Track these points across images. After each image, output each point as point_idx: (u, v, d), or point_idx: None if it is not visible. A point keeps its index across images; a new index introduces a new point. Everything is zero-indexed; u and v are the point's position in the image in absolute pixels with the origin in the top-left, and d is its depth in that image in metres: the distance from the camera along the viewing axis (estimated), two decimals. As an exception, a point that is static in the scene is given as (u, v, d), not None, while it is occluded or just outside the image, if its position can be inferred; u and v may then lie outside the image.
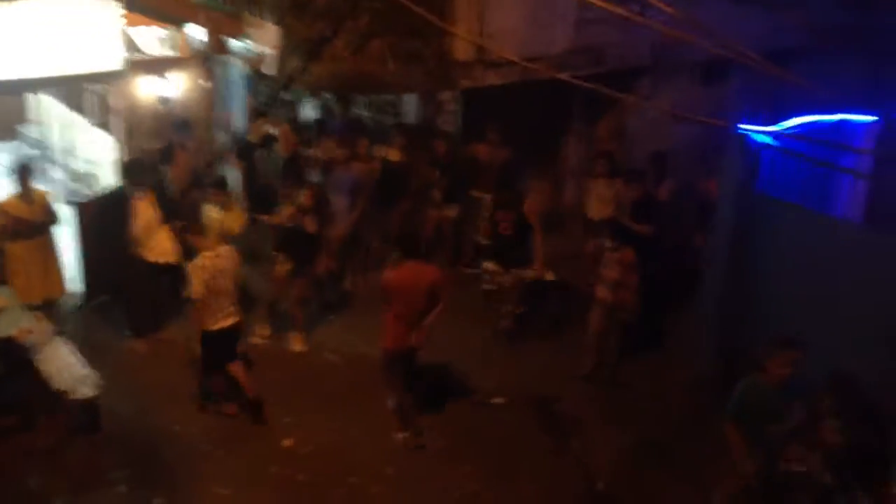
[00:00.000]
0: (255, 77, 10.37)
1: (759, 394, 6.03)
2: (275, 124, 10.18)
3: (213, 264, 7.24)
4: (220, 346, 7.56)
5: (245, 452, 7.41)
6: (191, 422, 7.75)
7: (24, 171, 8.46)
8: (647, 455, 7.65)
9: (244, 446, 7.48)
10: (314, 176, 9.73)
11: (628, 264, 8.06)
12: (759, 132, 7.70)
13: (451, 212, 10.10)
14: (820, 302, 7.23)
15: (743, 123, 7.83)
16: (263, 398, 7.81)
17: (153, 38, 10.55)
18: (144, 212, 8.45)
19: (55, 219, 8.70)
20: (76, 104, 10.70)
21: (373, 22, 8.75)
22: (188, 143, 9.51)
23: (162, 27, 10.17)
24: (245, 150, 9.89)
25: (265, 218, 9.22)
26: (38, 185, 8.97)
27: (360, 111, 10.86)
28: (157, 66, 9.81)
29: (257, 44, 9.66)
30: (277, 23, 9.19)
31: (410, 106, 10.54)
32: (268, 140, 9.98)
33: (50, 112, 10.02)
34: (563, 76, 8.26)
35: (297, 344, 8.98)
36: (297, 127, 10.59)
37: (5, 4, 8.35)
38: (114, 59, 9.16)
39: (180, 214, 8.83)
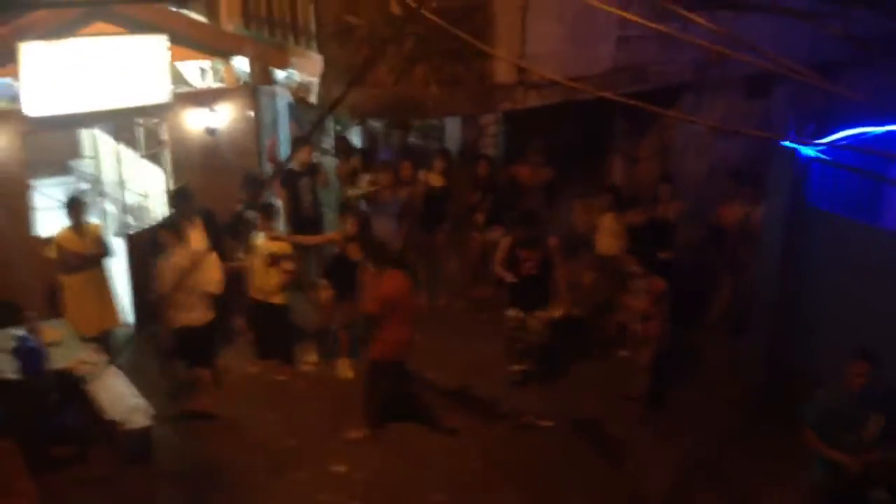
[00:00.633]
0: (300, 106, 10.49)
1: (833, 402, 6.10)
2: (310, 151, 10.26)
3: (184, 262, 7.81)
4: (190, 343, 8.16)
5: (297, 480, 7.45)
6: (243, 450, 7.82)
7: (76, 205, 8.64)
8: (700, 475, 7.53)
9: (296, 473, 7.52)
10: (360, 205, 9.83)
11: (657, 293, 7.97)
12: (806, 145, 7.60)
13: (495, 235, 10.08)
14: (872, 314, 7.10)
15: (790, 137, 7.73)
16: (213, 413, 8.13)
17: (199, 71, 10.79)
18: (195, 240, 8.58)
19: (108, 251, 8.86)
20: (127, 137, 10.94)
21: (415, 47, 8.80)
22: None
23: (208, 59, 10.37)
24: (289, 179, 10.00)
25: (308, 239, 9.29)
26: (91, 219, 9.16)
27: (400, 136, 10.91)
28: (203, 97, 9.99)
29: (301, 73, 9.79)
30: (321, 52, 9.30)
31: (453, 130, 10.57)
32: (312, 168, 10.08)
33: (101, 146, 10.25)
34: (606, 95, 8.24)
35: (345, 370, 9.02)
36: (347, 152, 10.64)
37: (57, 42, 8.59)
38: (162, 92, 9.37)
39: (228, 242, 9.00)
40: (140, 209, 10.55)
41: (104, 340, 8.77)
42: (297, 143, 10.21)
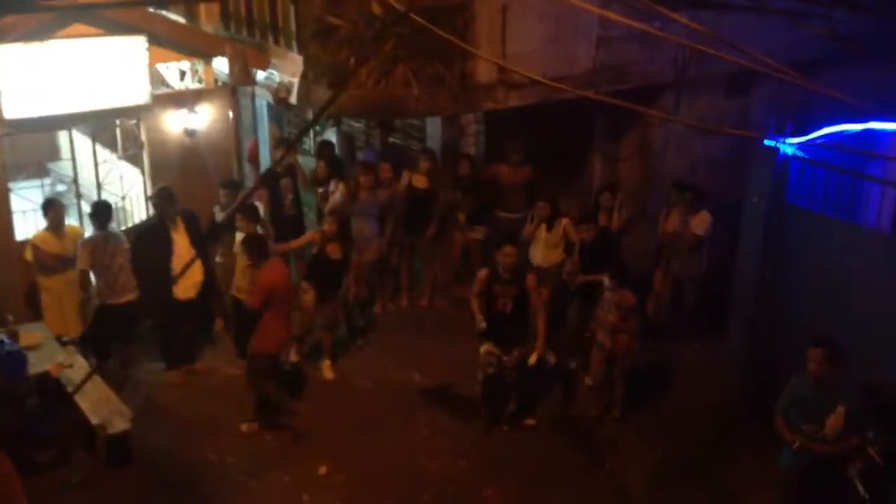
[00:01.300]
0: (280, 107, 10.44)
1: (800, 390, 6.19)
2: (293, 153, 10.22)
3: (101, 243, 8.23)
4: (112, 324, 8.44)
5: (280, 481, 7.43)
6: (225, 451, 7.79)
7: (53, 207, 8.56)
8: (681, 474, 7.57)
9: (279, 475, 7.50)
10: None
11: (627, 308, 7.89)
12: (785, 143, 7.65)
13: (477, 234, 10.10)
14: (852, 312, 7.16)
15: (769, 135, 7.78)
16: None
17: (179, 72, 10.73)
18: (177, 242, 8.52)
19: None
20: (105, 139, 10.86)
21: (397, 47, 8.79)
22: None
23: (187, 60, 10.32)
24: (269, 178, 9.97)
25: (291, 244, 9.26)
26: (70, 221, 9.08)
27: (382, 136, 10.90)
28: (183, 99, 9.94)
29: (282, 74, 9.75)
30: (301, 52, 9.27)
31: (434, 129, 10.57)
32: (292, 169, 10.05)
33: (79, 148, 10.17)
34: (587, 94, 8.27)
35: (327, 371, 8.99)
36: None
37: (34, 44, 8.52)
38: (141, 94, 9.31)
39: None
40: (120, 211, 10.48)
41: (83, 342, 8.70)
42: (279, 144, 10.17)
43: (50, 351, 7.93)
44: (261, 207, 9.58)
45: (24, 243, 8.78)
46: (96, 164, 9.94)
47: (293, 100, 9.50)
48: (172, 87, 10.69)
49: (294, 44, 9.41)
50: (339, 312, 9.24)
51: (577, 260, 8.75)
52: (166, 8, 10.86)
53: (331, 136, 11.28)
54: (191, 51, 9.97)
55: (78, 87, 8.87)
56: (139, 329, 8.92)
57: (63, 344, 8.27)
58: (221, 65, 10.04)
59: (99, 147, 10.25)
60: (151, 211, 9.80)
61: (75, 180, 10.03)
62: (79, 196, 10.16)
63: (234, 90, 10.28)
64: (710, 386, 8.62)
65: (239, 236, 8.65)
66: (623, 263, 8.26)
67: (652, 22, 9.69)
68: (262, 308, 7.73)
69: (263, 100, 10.76)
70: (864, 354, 6.63)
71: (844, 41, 9.27)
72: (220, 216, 9.22)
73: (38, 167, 12.35)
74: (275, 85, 9.88)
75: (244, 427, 8.05)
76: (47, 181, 12.41)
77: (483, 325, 7.72)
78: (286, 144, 10.24)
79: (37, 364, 7.44)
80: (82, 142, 10.48)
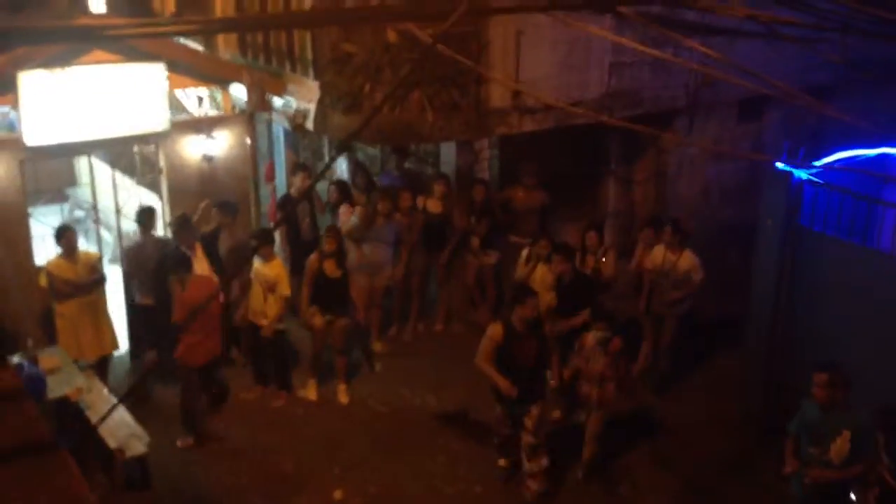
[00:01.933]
0: (297, 133, 10.55)
1: (807, 414, 6.22)
2: (307, 178, 10.30)
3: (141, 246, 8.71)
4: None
5: (296, 505, 7.45)
6: (242, 475, 7.82)
7: (66, 234, 8.65)
8: (698, 494, 7.55)
9: (294, 499, 7.52)
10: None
11: (616, 353, 7.48)
12: (799, 167, 7.68)
13: (491, 258, 10.15)
14: (867, 334, 7.16)
15: (782, 159, 7.82)
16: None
17: (197, 98, 10.86)
18: (195, 269, 8.60)
19: (102, 278, 8.88)
20: (124, 164, 10.98)
21: (411, 73, 8.89)
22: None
23: (205, 87, 10.45)
24: (285, 203, 10.06)
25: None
26: (90, 246, 9.17)
27: (397, 162, 10.98)
28: (201, 125, 10.05)
29: (298, 100, 9.86)
30: (317, 78, 9.38)
31: (448, 154, 10.65)
32: (309, 194, 10.15)
33: (98, 173, 10.29)
34: (602, 118, 8.34)
35: (342, 396, 9.03)
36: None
37: (55, 71, 8.65)
38: (160, 120, 9.43)
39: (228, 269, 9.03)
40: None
41: (101, 366, 8.77)
42: (297, 169, 10.26)
43: (68, 375, 8.00)
44: (278, 232, 9.67)
45: (39, 269, 8.88)
46: (115, 190, 10.04)
47: (309, 125, 9.60)
48: (191, 114, 10.81)
49: (310, 71, 9.53)
50: (348, 335, 9.27)
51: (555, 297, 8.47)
52: (185, 36, 11.01)
53: (341, 163, 11.36)
54: (209, 78, 10.10)
55: (98, 114, 8.98)
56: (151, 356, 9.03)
57: (81, 369, 8.34)
58: (239, 91, 10.16)
59: (118, 173, 10.37)
60: (171, 234, 9.91)
61: (94, 206, 10.14)
62: (97, 222, 10.26)
63: (252, 116, 10.39)
64: (729, 406, 8.61)
65: (257, 261, 8.73)
66: (608, 310, 8.05)
67: (664, 48, 9.81)
68: (185, 323, 7.89)
69: (280, 126, 10.86)
70: (880, 378, 6.63)
71: (857, 67, 9.31)
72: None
73: (57, 193, 12.47)
74: (291, 111, 9.99)
75: (179, 442, 8.21)
76: (66, 206, 12.54)
77: (513, 390, 7.03)
78: (306, 169, 10.33)
79: (56, 388, 7.50)
80: (101, 168, 10.60)
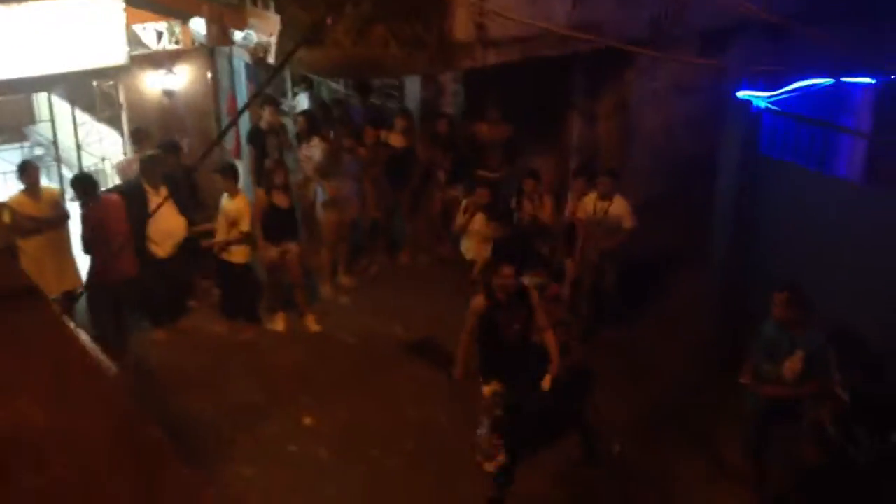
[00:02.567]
0: (258, 67, 10.45)
1: (766, 332, 6.39)
2: (276, 111, 10.24)
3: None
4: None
5: (266, 433, 7.57)
6: (212, 406, 7.90)
7: (28, 169, 8.57)
8: (659, 417, 7.78)
9: (265, 427, 7.63)
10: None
11: (550, 298, 7.37)
12: (758, 97, 7.80)
13: (457, 192, 10.20)
14: (824, 260, 7.35)
15: (742, 89, 7.92)
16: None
17: (156, 33, 10.69)
18: (157, 206, 8.57)
19: (65, 214, 8.82)
20: (84, 102, 10.83)
21: (374, 6, 8.81)
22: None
23: (164, 21, 10.29)
24: (255, 136, 10.02)
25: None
26: (50, 183, 9.09)
27: (361, 97, 10.93)
28: (161, 60, 9.93)
29: (259, 34, 9.74)
30: (279, 11, 9.27)
31: (413, 89, 10.63)
32: (277, 128, 10.12)
33: (58, 111, 10.15)
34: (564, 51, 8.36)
35: (312, 324, 9.19)
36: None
37: (11, 6, 8.48)
38: (118, 55, 9.30)
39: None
40: (98, 173, 10.49)
41: (66, 302, 8.75)
42: (263, 102, 10.17)
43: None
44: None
45: (2, 206, 8.80)
46: (75, 127, 9.93)
47: (271, 59, 9.50)
48: (150, 48, 10.66)
49: (271, 3, 9.40)
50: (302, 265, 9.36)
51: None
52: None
53: (302, 98, 11.29)
54: (168, 11, 9.96)
55: (55, 49, 8.85)
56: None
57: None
58: (199, 25, 10.02)
59: (77, 110, 10.24)
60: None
61: (55, 142, 10.02)
62: (58, 159, 10.16)
63: (212, 51, 10.28)
64: (689, 332, 8.83)
65: (223, 197, 8.72)
66: (543, 257, 8.26)
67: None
68: (91, 243, 8.20)
69: (241, 60, 10.75)
70: (835, 300, 6.84)
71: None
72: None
73: (16, 131, 12.29)
74: (252, 45, 9.87)
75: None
76: (27, 144, 12.36)
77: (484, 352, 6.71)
78: (273, 102, 10.25)
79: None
80: (61, 105, 10.45)
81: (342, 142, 9.63)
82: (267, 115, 9.96)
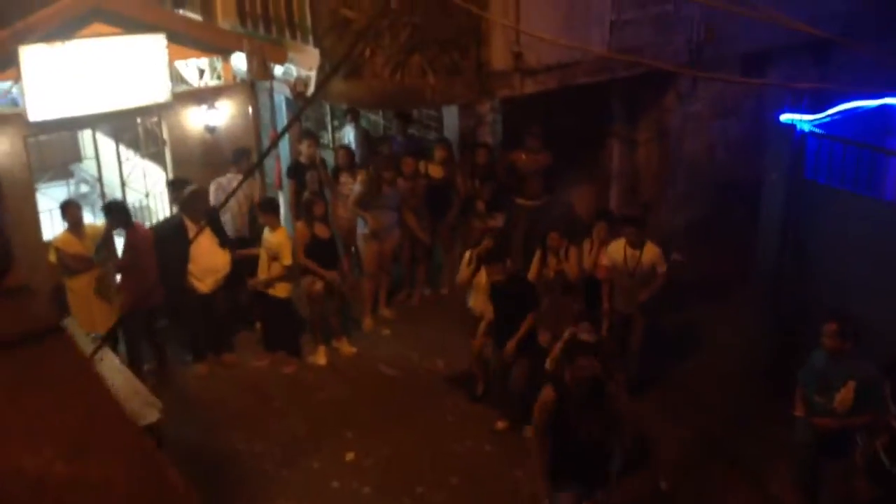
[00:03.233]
0: (298, 101, 10.54)
1: (815, 363, 6.23)
2: (311, 145, 10.31)
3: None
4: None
5: (308, 468, 7.53)
6: (254, 441, 7.90)
7: (70, 208, 8.67)
8: (708, 452, 7.61)
9: (307, 462, 7.60)
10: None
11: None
12: (803, 120, 7.67)
13: (496, 221, 10.15)
14: (873, 286, 7.19)
15: (786, 112, 7.80)
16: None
17: (198, 69, 10.85)
18: (199, 242, 8.64)
19: (111, 251, 8.91)
20: (128, 138, 10.99)
21: (411, 37, 8.87)
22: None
23: (206, 57, 10.43)
24: (295, 170, 10.08)
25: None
26: (93, 221, 9.20)
27: (400, 127, 10.96)
28: (203, 96, 10.05)
29: (299, 67, 9.85)
30: (317, 45, 9.36)
31: (451, 119, 10.64)
32: (318, 162, 10.19)
33: (103, 148, 10.30)
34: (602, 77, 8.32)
35: (345, 348, 9.30)
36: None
37: (56, 45, 8.65)
38: (161, 92, 9.43)
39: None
40: (142, 209, 10.62)
41: (107, 336, 8.81)
42: (304, 136, 10.25)
43: (80, 346, 8.04)
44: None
45: (46, 244, 8.93)
46: (120, 163, 10.06)
47: (311, 93, 9.59)
48: (192, 85, 10.81)
49: (310, 38, 9.51)
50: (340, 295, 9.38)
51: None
52: (184, 6, 11.00)
53: (349, 131, 11.36)
54: (209, 48, 10.09)
55: (99, 87, 8.99)
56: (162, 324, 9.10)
57: (93, 340, 8.39)
58: (239, 61, 10.14)
59: (122, 147, 10.38)
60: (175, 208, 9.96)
61: (100, 179, 10.17)
62: (103, 195, 10.29)
63: (253, 85, 10.38)
64: (736, 359, 8.66)
65: (267, 232, 8.77)
66: (584, 312, 7.69)
67: (664, 5, 9.79)
68: (124, 268, 8.45)
69: (282, 94, 10.85)
70: (887, 329, 6.66)
71: (856, 19, 9.28)
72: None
73: (62, 169, 12.50)
74: (292, 79, 9.98)
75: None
76: (72, 182, 12.57)
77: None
78: (312, 136, 10.33)
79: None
80: (105, 142, 10.62)
81: (382, 174, 9.65)
82: (304, 147, 10.02)
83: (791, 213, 7.97)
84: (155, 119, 10.11)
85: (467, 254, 8.32)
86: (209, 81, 10.62)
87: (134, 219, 8.94)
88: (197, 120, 9.96)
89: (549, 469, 5.87)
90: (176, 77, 10.33)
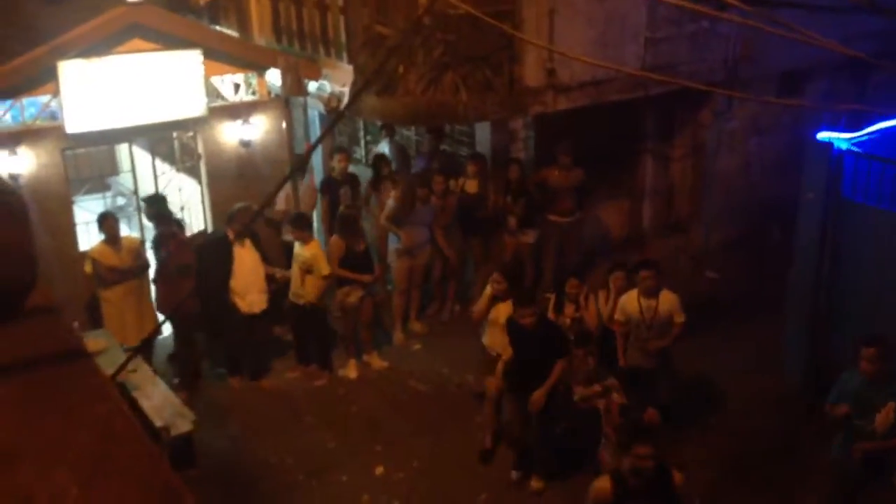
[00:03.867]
0: (332, 116, 10.61)
1: (851, 385, 6.13)
2: (343, 160, 10.39)
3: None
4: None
5: (339, 481, 7.54)
6: (285, 453, 7.92)
7: (107, 221, 8.79)
8: (740, 474, 7.50)
9: (337, 475, 7.60)
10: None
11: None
12: (840, 138, 7.57)
13: (528, 238, 10.13)
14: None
15: (823, 130, 7.71)
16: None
17: (233, 85, 10.96)
18: (242, 259, 8.72)
19: (146, 264, 9.02)
20: (164, 152, 11.13)
21: (444, 54, 8.90)
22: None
23: (241, 72, 10.54)
24: (328, 186, 10.15)
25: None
26: (131, 232, 9.31)
27: (432, 143, 10.99)
28: (238, 111, 10.15)
29: (333, 84, 9.92)
30: (351, 62, 9.42)
31: (483, 135, 10.65)
32: (351, 178, 10.25)
33: (139, 161, 10.44)
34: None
35: (375, 362, 9.31)
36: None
37: (94, 60, 8.79)
38: (197, 106, 9.54)
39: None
40: (180, 222, 10.71)
41: (141, 348, 8.89)
42: (336, 151, 10.32)
43: (114, 357, 8.11)
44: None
45: (83, 255, 9.05)
46: (155, 177, 10.19)
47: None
48: (227, 100, 10.92)
49: (344, 54, 9.57)
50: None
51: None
52: (220, 23, 11.12)
53: (384, 147, 11.41)
54: (244, 63, 10.20)
55: (137, 101, 9.12)
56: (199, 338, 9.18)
57: (126, 351, 8.48)
58: (274, 77, 10.24)
59: (157, 160, 10.52)
60: (210, 219, 10.06)
61: (136, 192, 10.29)
62: (139, 208, 10.41)
63: (287, 101, 10.46)
64: (771, 380, 8.53)
65: (296, 245, 8.83)
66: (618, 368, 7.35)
67: (701, 22, 9.71)
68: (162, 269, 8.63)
69: (315, 110, 10.93)
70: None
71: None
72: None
73: (99, 182, 12.68)
74: (326, 95, 10.05)
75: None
76: (108, 195, 12.74)
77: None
78: (343, 151, 10.39)
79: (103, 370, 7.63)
80: (141, 155, 10.76)
81: (415, 190, 9.67)
82: (336, 162, 10.08)
83: (828, 232, 7.85)
84: (190, 133, 10.23)
85: (488, 288, 7.74)
86: (244, 97, 10.73)
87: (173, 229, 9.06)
88: (232, 134, 10.05)
89: None
90: (212, 92, 10.44)
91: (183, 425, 7.44)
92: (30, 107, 9.49)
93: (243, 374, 9.12)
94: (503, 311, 7.40)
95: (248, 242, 8.80)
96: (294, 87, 10.06)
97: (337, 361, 9.28)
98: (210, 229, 10.13)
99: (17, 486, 1.17)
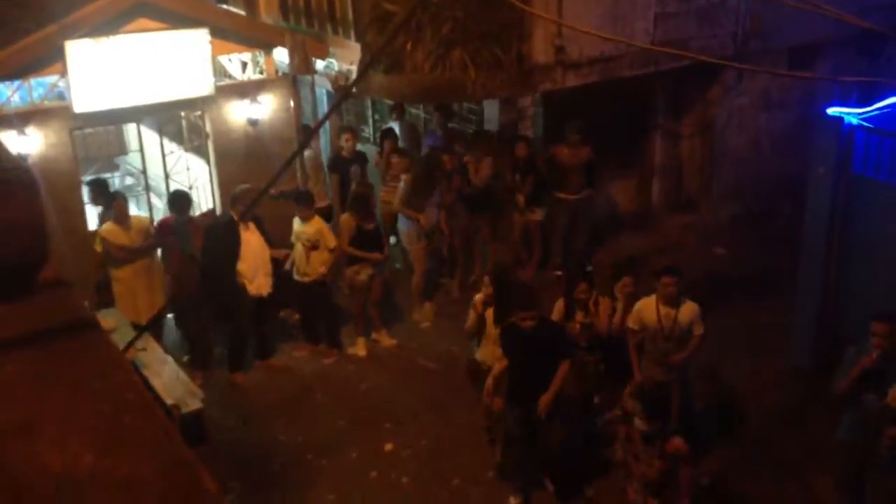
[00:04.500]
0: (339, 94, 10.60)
1: (865, 362, 6.05)
2: (350, 139, 10.38)
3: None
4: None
5: (348, 458, 7.58)
6: (295, 431, 7.97)
7: (116, 200, 8.81)
8: (750, 447, 7.51)
9: (346, 452, 7.64)
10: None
11: (676, 456, 6.56)
12: (851, 113, 7.52)
13: (537, 215, 10.11)
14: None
15: (834, 105, 7.65)
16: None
17: (241, 63, 10.94)
18: (248, 242, 8.72)
19: (155, 243, 9.04)
20: (172, 132, 11.13)
21: (452, 31, 8.86)
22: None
23: (249, 51, 10.52)
24: (338, 164, 10.14)
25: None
26: (140, 211, 9.33)
27: (440, 121, 10.95)
28: (245, 89, 10.13)
29: (340, 62, 9.89)
30: (359, 40, 9.39)
31: (492, 113, 10.61)
32: (360, 156, 10.23)
33: (147, 141, 10.44)
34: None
35: (384, 340, 9.34)
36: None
37: (102, 39, 8.77)
38: (205, 85, 9.52)
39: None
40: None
41: (151, 324, 8.93)
42: (343, 131, 10.31)
43: (124, 335, 8.15)
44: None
45: (93, 234, 9.08)
46: (164, 156, 10.19)
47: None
48: (235, 79, 10.90)
49: (352, 32, 9.55)
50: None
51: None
52: (227, 1, 11.08)
53: (394, 126, 11.40)
54: (252, 42, 10.17)
55: (144, 81, 9.10)
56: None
57: (136, 329, 8.51)
58: (282, 55, 10.21)
59: (165, 140, 10.52)
60: (218, 198, 10.06)
61: (144, 172, 10.31)
62: (147, 188, 10.43)
63: (295, 79, 10.43)
64: (781, 357, 8.52)
65: (296, 223, 8.82)
66: (641, 385, 6.72)
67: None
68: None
69: (323, 88, 10.91)
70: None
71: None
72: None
73: (107, 161, 12.69)
74: (334, 73, 10.02)
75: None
76: (117, 174, 12.76)
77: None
78: (351, 130, 10.38)
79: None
80: (149, 135, 10.76)
81: (434, 171, 9.67)
82: (343, 141, 10.07)
83: (838, 208, 7.82)
84: (198, 112, 10.22)
85: (477, 296, 7.41)
86: (252, 75, 10.71)
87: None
88: (239, 113, 10.04)
89: None
90: (219, 71, 10.43)
91: (193, 403, 7.47)
92: (38, 87, 9.51)
93: (246, 369, 9.08)
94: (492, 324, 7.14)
95: (252, 225, 8.80)
96: (301, 65, 10.03)
97: (346, 339, 9.31)
98: (219, 209, 10.14)
99: (32, 455, 1.17)
